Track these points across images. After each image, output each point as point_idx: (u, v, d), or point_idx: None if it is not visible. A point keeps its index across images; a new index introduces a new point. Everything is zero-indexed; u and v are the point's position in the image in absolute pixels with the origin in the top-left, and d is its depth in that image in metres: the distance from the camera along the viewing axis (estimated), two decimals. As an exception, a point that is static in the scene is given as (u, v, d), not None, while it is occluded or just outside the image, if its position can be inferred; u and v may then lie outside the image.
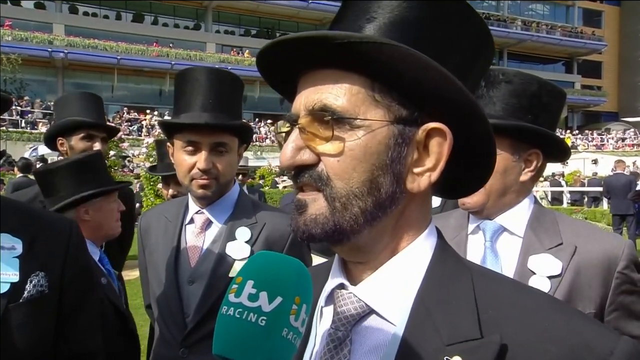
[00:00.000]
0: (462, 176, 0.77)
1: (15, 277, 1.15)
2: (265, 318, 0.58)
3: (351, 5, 0.72)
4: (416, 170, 0.69)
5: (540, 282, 1.32)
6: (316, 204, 0.68)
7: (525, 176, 1.41)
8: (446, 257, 0.73)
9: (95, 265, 1.94)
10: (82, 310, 1.30)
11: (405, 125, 0.68)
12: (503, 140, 1.37)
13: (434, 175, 0.69)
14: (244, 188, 6.00)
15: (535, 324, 0.63)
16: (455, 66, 0.67)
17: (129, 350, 2.02)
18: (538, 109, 1.40)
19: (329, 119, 0.66)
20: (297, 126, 0.69)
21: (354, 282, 0.73)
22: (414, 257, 0.72)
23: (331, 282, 0.76)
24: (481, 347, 0.62)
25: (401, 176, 0.68)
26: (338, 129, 0.66)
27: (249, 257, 1.64)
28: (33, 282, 1.17)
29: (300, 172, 0.69)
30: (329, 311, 0.75)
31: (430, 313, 0.67)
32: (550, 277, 1.32)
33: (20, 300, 1.15)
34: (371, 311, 0.70)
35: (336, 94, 0.66)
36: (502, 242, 1.44)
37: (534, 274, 1.34)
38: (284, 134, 0.74)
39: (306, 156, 0.68)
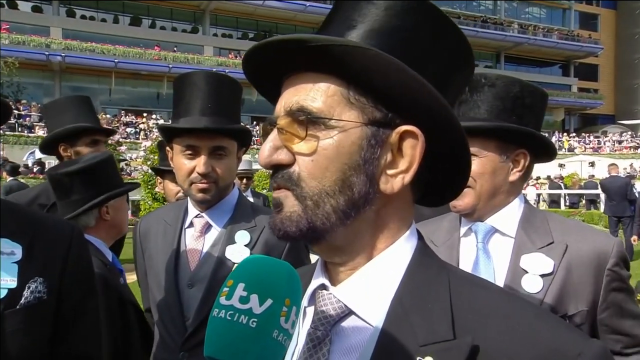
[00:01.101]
0: (440, 183, 0.79)
1: (13, 283, 1.13)
2: (256, 320, 0.59)
3: (336, 12, 0.75)
4: (390, 172, 0.71)
5: (532, 281, 1.34)
6: (288, 201, 0.70)
7: (514, 176, 1.44)
8: (425, 260, 0.74)
9: (111, 266, 1.96)
10: (82, 314, 1.28)
11: (379, 127, 0.69)
12: (490, 142, 1.40)
13: (407, 177, 0.71)
14: (249, 192, 5.98)
15: (507, 327, 0.65)
16: (432, 74, 0.69)
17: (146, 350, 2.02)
18: (522, 110, 1.43)
19: (304, 119, 0.68)
20: (276, 126, 0.71)
21: (334, 283, 0.75)
22: (393, 259, 0.73)
23: (313, 283, 0.78)
24: (453, 348, 0.63)
25: (374, 177, 0.70)
26: (313, 129, 0.68)
27: (248, 260, 1.65)
28: (31, 288, 1.16)
29: (276, 172, 0.71)
30: (310, 311, 0.77)
31: (407, 314, 0.68)
32: (542, 276, 1.34)
33: (17, 307, 1.13)
34: (350, 312, 0.72)
35: (313, 95, 0.69)
36: (494, 243, 1.46)
37: (527, 272, 1.36)
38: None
39: (282, 156, 0.70)
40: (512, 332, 0.64)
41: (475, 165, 1.39)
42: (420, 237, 0.78)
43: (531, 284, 1.34)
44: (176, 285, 1.66)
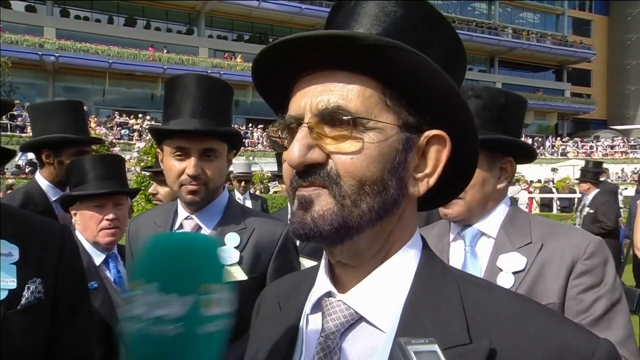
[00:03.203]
0: (443, 186, 0.78)
1: (12, 283, 1.15)
2: (181, 324, 0.56)
3: (357, 7, 0.74)
4: (416, 175, 0.72)
5: (505, 278, 1.39)
6: (322, 200, 0.68)
7: (502, 184, 1.51)
8: (433, 263, 0.74)
9: (91, 269, 1.95)
10: (76, 315, 1.29)
11: (411, 132, 0.70)
12: (481, 154, 1.44)
13: (432, 181, 0.72)
14: (247, 195, 5.97)
15: (521, 329, 0.65)
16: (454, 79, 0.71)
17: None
18: (507, 119, 1.50)
19: (349, 119, 0.67)
20: (305, 125, 0.69)
21: (342, 290, 0.74)
22: (402, 263, 0.73)
23: (318, 290, 0.76)
24: (470, 352, 0.63)
25: (404, 180, 0.71)
26: (354, 129, 0.67)
27: (238, 262, 1.65)
28: (30, 288, 1.17)
29: (307, 171, 0.69)
30: (315, 319, 0.75)
31: (420, 319, 0.67)
32: (514, 273, 1.39)
33: (18, 307, 1.14)
34: (360, 318, 0.71)
35: (349, 95, 0.68)
36: (480, 246, 1.51)
37: (501, 271, 1.41)
38: (283, 135, 0.74)
39: (316, 154, 0.68)
40: (525, 333, 0.64)
41: None
42: (423, 240, 0.78)
43: (503, 281, 1.39)
44: (165, 288, 1.66)
